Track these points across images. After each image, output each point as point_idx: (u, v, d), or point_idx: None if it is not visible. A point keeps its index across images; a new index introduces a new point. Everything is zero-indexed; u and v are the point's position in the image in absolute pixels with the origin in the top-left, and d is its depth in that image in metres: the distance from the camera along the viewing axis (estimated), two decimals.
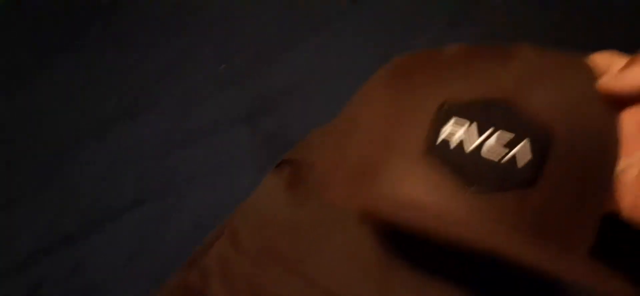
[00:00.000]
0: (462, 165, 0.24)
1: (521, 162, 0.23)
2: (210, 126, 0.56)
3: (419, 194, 0.24)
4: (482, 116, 0.24)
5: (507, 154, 0.24)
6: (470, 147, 0.24)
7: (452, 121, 0.24)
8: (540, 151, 0.23)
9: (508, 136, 0.24)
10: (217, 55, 0.61)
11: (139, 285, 0.47)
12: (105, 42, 0.65)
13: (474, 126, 0.24)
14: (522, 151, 0.23)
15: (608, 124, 0.27)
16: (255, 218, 0.47)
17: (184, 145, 0.55)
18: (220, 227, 0.47)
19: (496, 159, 0.24)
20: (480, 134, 0.24)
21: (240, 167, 0.53)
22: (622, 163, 0.28)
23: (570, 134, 0.24)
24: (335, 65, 0.58)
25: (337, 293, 0.42)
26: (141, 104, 0.59)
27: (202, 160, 0.54)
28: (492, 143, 0.24)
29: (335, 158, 0.30)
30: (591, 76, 0.27)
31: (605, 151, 0.26)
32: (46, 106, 0.60)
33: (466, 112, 0.24)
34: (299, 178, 0.48)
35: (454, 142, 0.24)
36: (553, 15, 0.56)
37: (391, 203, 0.25)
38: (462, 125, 0.24)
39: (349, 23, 0.60)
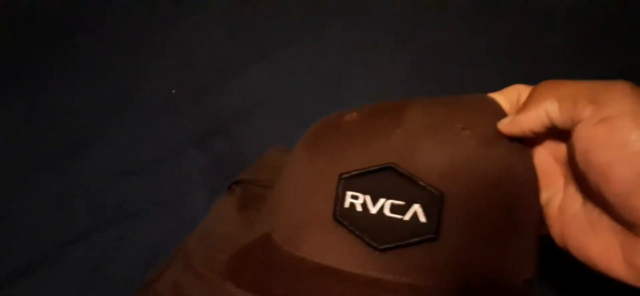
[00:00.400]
0: (369, 226, 0.26)
1: (422, 219, 0.25)
2: (162, 151, 0.56)
3: (333, 261, 0.26)
4: (372, 187, 0.26)
5: (405, 214, 0.25)
6: (374, 210, 0.26)
7: (349, 194, 0.26)
8: (433, 211, 0.25)
9: (399, 203, 0.25)
10: (167, 80, 0.61)
11: None
12: (52, 72, 0.64)
13: (368, 197, 0.26)
14: (418, 212, 0.25)
15: (513, 164, 0.28)
16: (209, 241, 0.46)
17: (136, 172, 0.55)
18: (174, 251, 0.47)
19: (399, 217, 0.25)
20: (374, 203, 0.26)
21: (193, 191, 0.53)
22: (544, 196, 0.29)
23: (462, 187, 0.26)
24: (286, 88, 0.59)
25: None
26: (92, 133, 0.58)
27: (155, 186, 0.54)
28: (387, 209, 0.26)
29: (273, 220, 0.32)
30: (491, 117, 0.28)
31: (514, 189, 0.27)
32: None
33: (358, 184, 0.26)
34: (251, 198, 0.48)
35: (358, 206, 0.26)
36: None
37: (311, 275, 0.26)
38: (360, 197, 0.26)
39: (300, 46, 0.62)
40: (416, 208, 0.25)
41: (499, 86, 0.54)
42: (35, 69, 0.64)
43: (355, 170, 0.26)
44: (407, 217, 0.25)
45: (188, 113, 0.58)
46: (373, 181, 0.26)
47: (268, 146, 0.53)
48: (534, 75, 0.52)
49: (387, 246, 0.25)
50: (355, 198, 0.26)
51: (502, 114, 0.30)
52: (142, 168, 0.55)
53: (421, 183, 0.25)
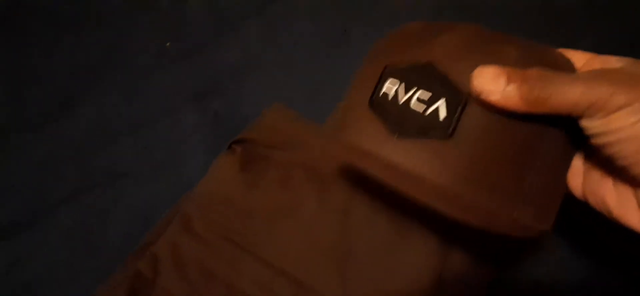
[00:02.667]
0: (392, 114, 0.28)
1: (442, 116, 0.26)
2: (156, 109, 0.53)
3: (360, 141, 0.29)
4: (409, 77, 0.28)
5: (428, 108, 0.27)
6: (402, 100, 0.28)
7: (388, 81, 0.29)
8: (454, 109, 0.26)
9: (427, 94, 0.27)
10: (160, 34, 0.58)
11: (83, 280, 0.44)
12: (37, 24, 0.61)
13: (403, 85, 0.28)
14: (441, 107, 0.26)
15: None
16: (208, 202, 0.45)
17: (127, 131, 0.52)
18: (171, 213, 0.46)
19: (421, 111, 0.27)
20: (406, 92, 0.28)
21: (189, 151, 0.51)
22: None
23: None
24: (287, 42, 0.56)
25: (293, 274, 0.41)
26: (80, 89, 0.55)
27: (148, 145, 0.51)
28: (415, 99, 0.27)
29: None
30: (547, 56, 0.28)
31: (549, 120, 0.26)
32: None
33: (398, 74, 0.28)
34: (253, 157, 0.47)
35: (390, 96, 0.28)
36: None
37: (345, 149, 0.29)
38: (395, 84, 0.28)
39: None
40: (440, 103, 0.26)
41: None
42: (20, 24, 0.61)
43: (398, 64, 0.29)
44: (429, 110, 0.27)
45: (183, 69, 0.56)
46: (410, 75, 0.28)
47: (268, 104, 0.51)
48: (548, 29, 0.52)
49: (403, 134, 0.27)
50: (390, 88, 0.28)
51: (557, 63, 0.28)
52: (134, 127, 0.52)
53: (451, 81, 0.26)
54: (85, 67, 0.57)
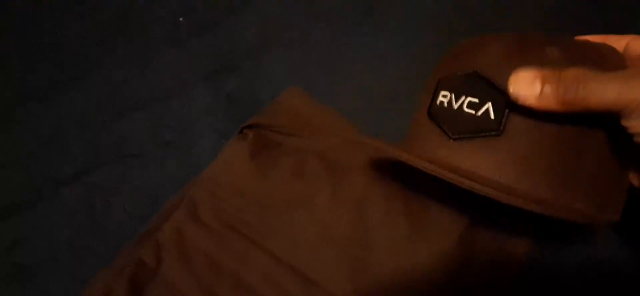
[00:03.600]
0: (448, 119, 0.31)
1: (492, 116, 0.29)
2: (167, 87, 0.51)
3: (422, 147, 0.32)
4: (458, 87, 0.32)
5: (479, 110, 0.30)
6: (455, 106, 0.31)
7: (442, 92, 0.33)
8: (502, 109, 0.29)
9: (475, 101, 0.30)
10: (174, 8, 0.56)
11: (86, 263, 0.43)
12: None
13: (454, 93, 0.32)
14: (490, 109, 0.29)
15: None
16: (217, 189, 0.43)
17: (137, 108, 0.50)
18: (177, 198, 0.44)
19: (474, 113, 0.30)
20: (458, 99, 0.31)
21: (200, 132, 0.49)
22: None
23: None
24: (306, 21, 0.53)
25: (303, 270, 0.39)
26: (88, 63, 0.54)
27: (157, 125, 0.50)
28: (466, 104, 0.31)
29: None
30: (593, 52, 0.30)
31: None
32: None
33: (449, 84, 0.32)
34: (265, 145, 0.45)
35: (446, 103, 0.32)
36: None
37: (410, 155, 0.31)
38: (448, 93, 0.32)
39: None
40: (488, 105, 0.29)
41: (542, 24, 0.48)
42: None
43: (449, 74, 0.33)
44: (479, 113, 0.30)
45: (196, 46, 0.53)
46: (460, 83, 0.31)
47: (284, 87, 0.49)
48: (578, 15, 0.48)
49: (458, 136, 0.30)
50: (445, 96, 0.32)
51: (604, 57, 0.30)
52: (143, 104, 0.51)
53: (495, 84, 0.29)
54: (95, 40, 0.55)
